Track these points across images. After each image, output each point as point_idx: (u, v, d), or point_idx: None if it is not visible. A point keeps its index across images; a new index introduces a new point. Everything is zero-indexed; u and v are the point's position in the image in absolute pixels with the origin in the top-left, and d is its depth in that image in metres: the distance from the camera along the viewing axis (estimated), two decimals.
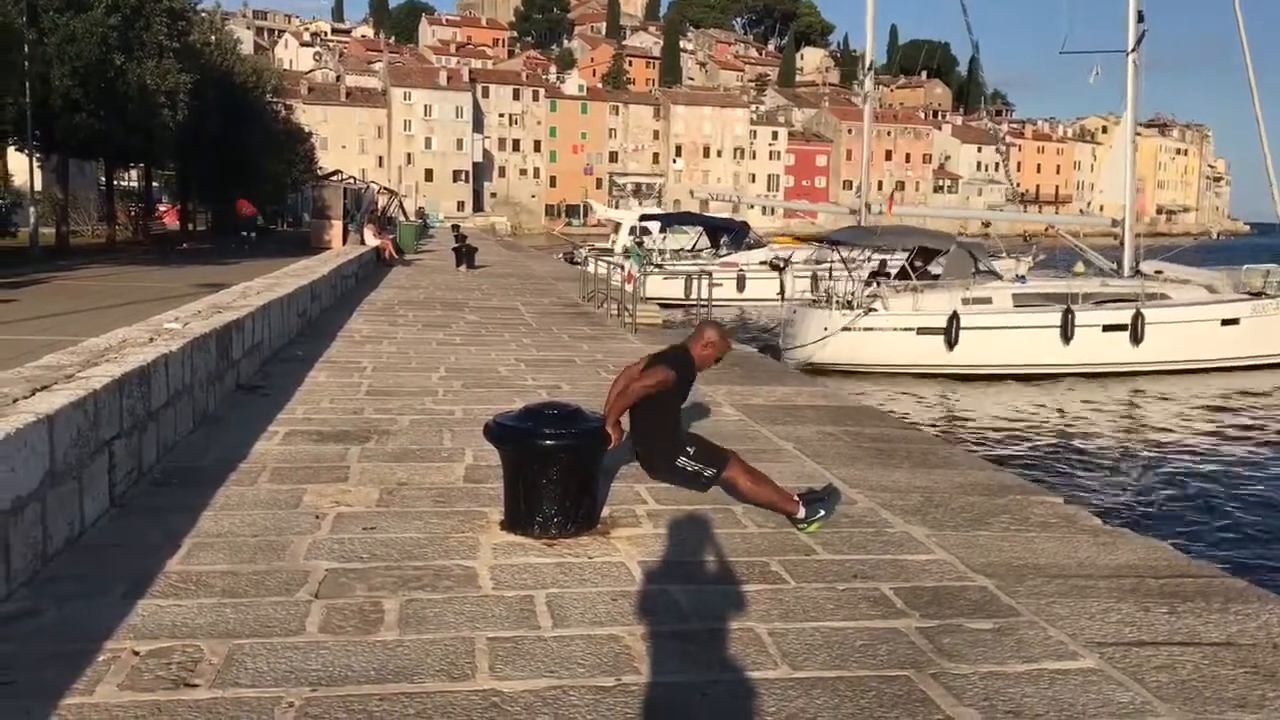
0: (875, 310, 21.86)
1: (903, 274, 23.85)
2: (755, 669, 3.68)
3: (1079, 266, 26.57)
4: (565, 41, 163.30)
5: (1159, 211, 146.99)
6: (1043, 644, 3.96)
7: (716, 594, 4.42)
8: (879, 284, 23.52)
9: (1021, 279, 23.78)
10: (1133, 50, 26.06)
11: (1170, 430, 18.37)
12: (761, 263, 36.01)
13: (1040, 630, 4.09)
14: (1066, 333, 21.95)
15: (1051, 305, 22.32)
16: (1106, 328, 22.45)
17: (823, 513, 5.32)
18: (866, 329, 21.53)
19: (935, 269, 24.29)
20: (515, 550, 4.88)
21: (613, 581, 4.51)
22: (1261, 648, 3.99)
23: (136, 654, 3.61)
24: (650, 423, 5.73)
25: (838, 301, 22.22)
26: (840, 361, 21.39)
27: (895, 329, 21.79)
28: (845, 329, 21.39)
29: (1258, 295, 24.21)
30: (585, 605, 4.23)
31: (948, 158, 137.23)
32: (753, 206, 58.89)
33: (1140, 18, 26.07)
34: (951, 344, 21.42)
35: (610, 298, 17.64)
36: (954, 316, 21.46)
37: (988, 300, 22.44)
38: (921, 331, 21.73)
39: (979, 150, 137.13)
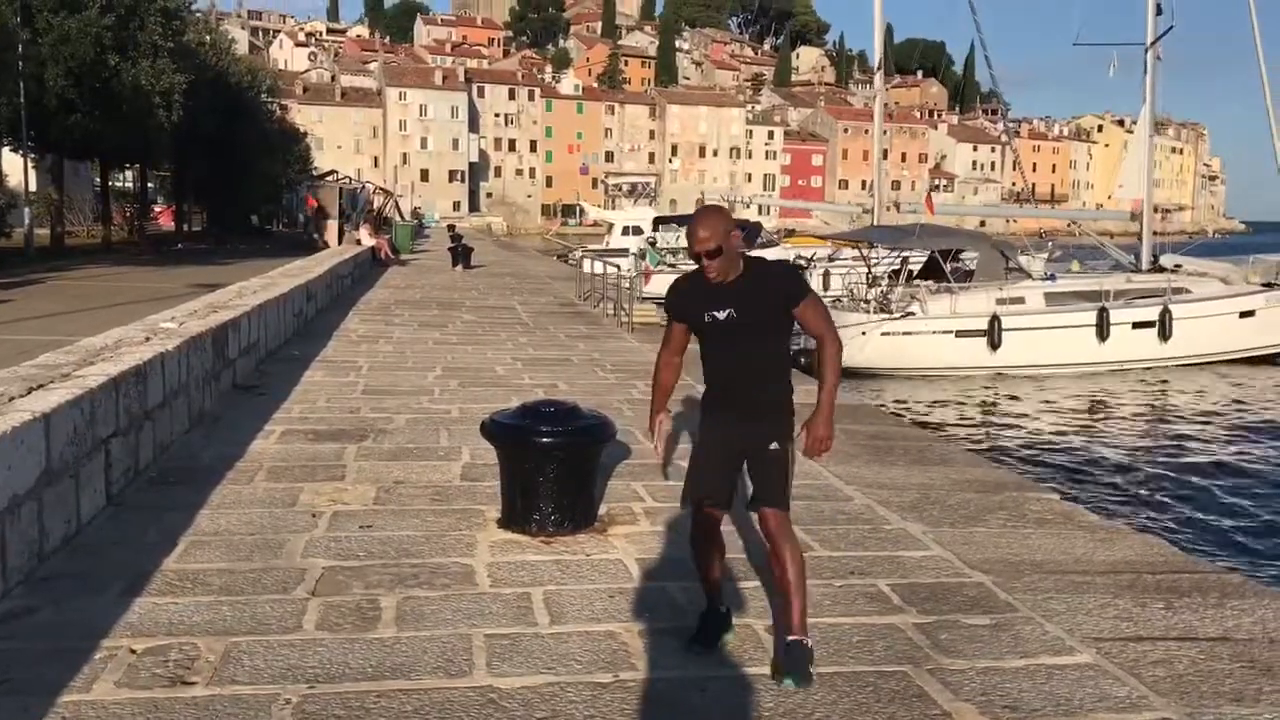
0: (913, 313, 21.56)
1: (926, 272, 23.62)
2: (753, 665, 3.69)
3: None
4: (561, 41, 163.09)
5: (1155, 210, 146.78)
6: (1040, 639, 3.97)
7: None
8: (916, 285, 23.14)
9: (1052, 277, 23.73)
10: (1152, 44, 26.05)
11: (1175, 425, 18.36)
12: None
13: (1037, 626, 4.09)
14: (1102, 331, 21.95)
15: (1084, 303, 22.33)
16: (1136, 324, 22.48)
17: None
18: (906, 333, 21.24)
19: (960, 265, 24.14)
20: (512, 548, 4.88)
21: (610, 579, 4.51)
22: (1258, 642, 4.01)
23: (133, 652, 3.61)
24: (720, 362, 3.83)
25: (873, 304, 21.92)
26: (880, 365, 21.03)
27: (934, 331, 21.55)
28: (885, 333, 21.02)
29: (1270, 286, 24.43)
30: (583, 602, 4.23)
31: (943, 157, 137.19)
32: (749, 205, 58.61)
33: (1159, 10, 26.09)
34: (994, 345, 21.28)
35: (606, 297, 17.63)
36: (995, 318, 21.30)
37: (1021, 300, 22.27)
38: (961, 334, 21.53)
39: (974, 149, 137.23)
